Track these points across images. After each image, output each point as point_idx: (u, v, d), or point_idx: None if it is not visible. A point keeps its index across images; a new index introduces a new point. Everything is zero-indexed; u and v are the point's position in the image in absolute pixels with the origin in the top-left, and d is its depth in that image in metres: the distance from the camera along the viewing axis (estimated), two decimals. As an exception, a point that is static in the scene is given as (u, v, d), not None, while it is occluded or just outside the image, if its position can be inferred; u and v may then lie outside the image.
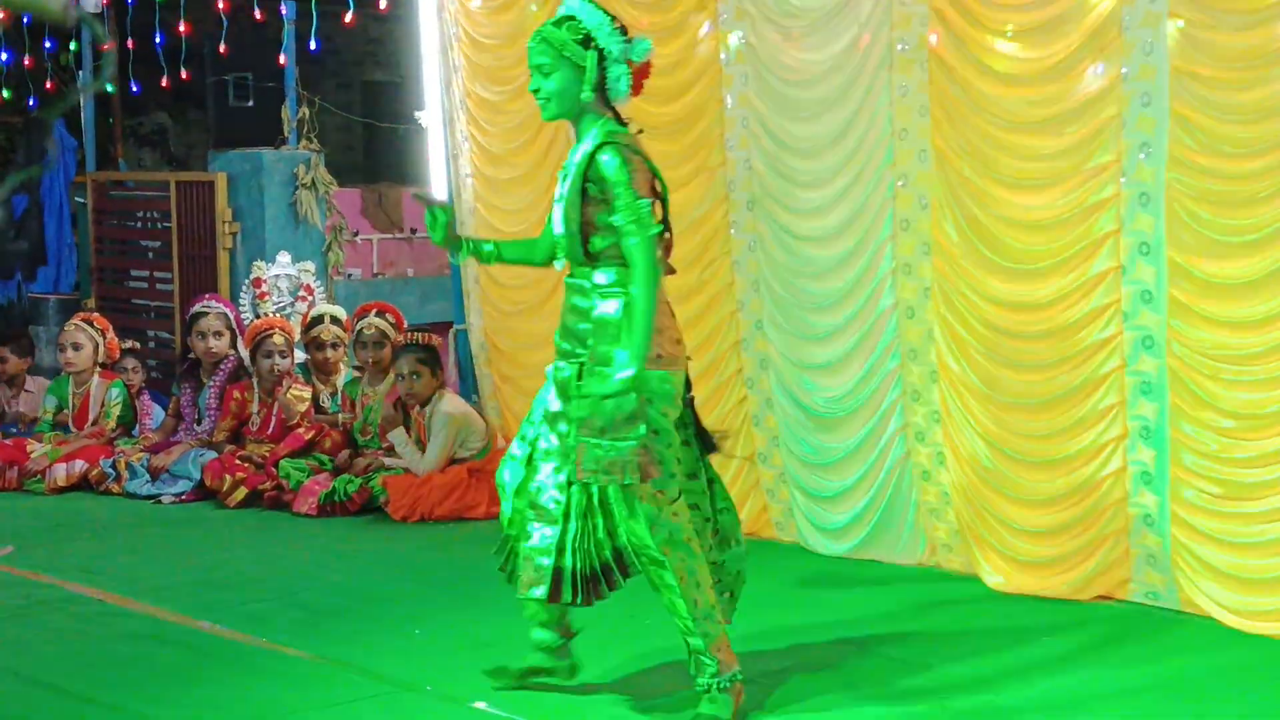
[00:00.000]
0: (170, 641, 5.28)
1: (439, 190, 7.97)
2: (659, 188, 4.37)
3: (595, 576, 4.40)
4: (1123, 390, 5.36)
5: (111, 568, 6.38)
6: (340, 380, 8.23)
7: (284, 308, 9.23)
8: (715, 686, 4.30)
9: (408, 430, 7.52)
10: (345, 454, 7.75)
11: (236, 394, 8.17)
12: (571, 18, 4.33)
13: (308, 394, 8.14)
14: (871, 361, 6.09)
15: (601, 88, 4.34)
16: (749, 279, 6.53)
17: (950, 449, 5.86)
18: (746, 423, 6.65)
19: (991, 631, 5.23)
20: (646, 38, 4.38)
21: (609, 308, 4.30)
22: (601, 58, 4.31)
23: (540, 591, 4.39)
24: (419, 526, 7.12)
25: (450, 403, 7.52)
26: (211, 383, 8.36)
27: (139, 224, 10.84)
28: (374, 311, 7.99)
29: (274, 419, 8.08)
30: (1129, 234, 5.26)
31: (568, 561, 4.36)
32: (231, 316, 8.54)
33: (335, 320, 8.26)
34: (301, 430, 7.92)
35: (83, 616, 5.65)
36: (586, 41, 4.30)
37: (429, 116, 7.99)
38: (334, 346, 8.23)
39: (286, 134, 9.97)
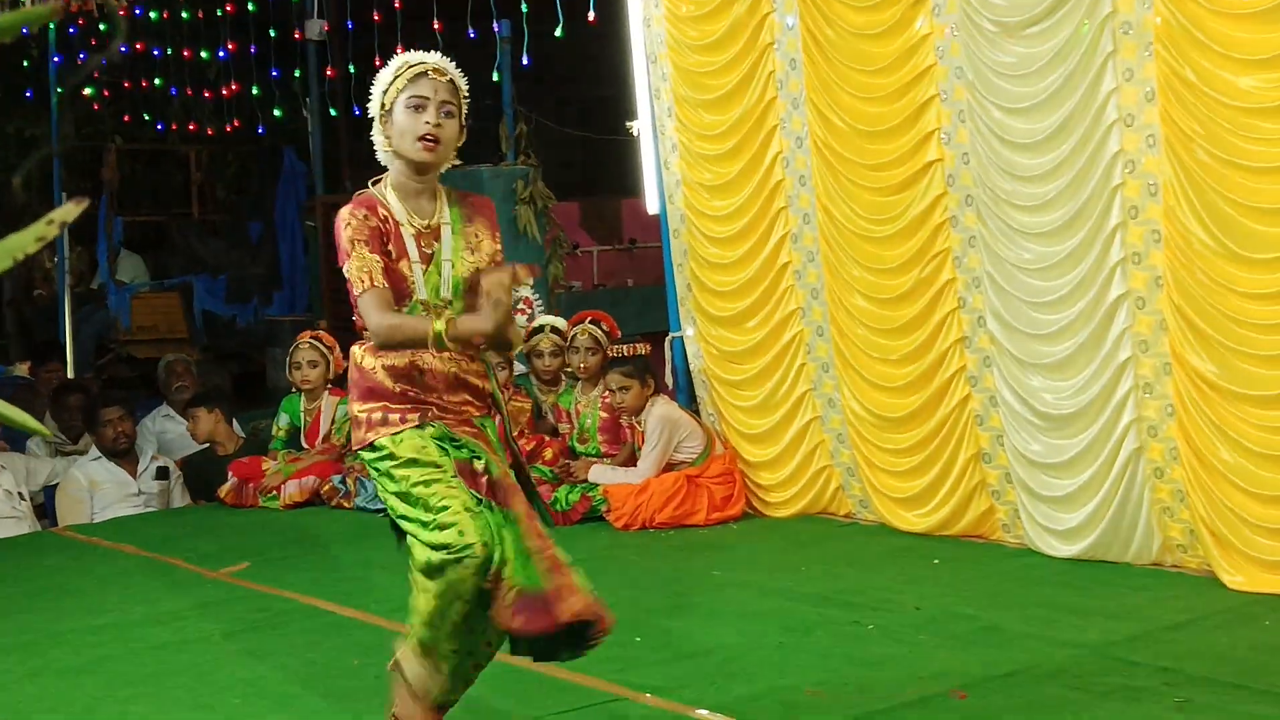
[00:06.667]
0: (397, 651, 5.32)
1: (652, 199, 7.94)
2: None
3: None
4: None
5: (342, 580, 6.48)
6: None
7: (504, 321, 9.28)
8: None
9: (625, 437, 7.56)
10: (565, 464, 7.78)
11: (461, 407, 8.23)
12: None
13: (527, 405, 8.19)
14: (1102, 355, 5.87)
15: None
16: (970, 276, 6.37)
17: (1184, 444, 5.62)
18: (970, 422, 6.50)
19: (1231, 630, 5.00)
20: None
21: None
22: None
23: None
24: (640, 534, 7.11)
25: (663, 407, 7.50)
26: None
27: (367, 244, 11.09)
28: (588, 320, 8.02)
29: (495, 431, 8.13)
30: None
31: None
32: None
33: (555, 330, 8.28)
34: (522, 441, 7.96)
35: (315, 629, 5.73)
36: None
37: (640, 125, 7.96)
38: (554, 355, 8.26)
39: (505, 150, 10.09)
